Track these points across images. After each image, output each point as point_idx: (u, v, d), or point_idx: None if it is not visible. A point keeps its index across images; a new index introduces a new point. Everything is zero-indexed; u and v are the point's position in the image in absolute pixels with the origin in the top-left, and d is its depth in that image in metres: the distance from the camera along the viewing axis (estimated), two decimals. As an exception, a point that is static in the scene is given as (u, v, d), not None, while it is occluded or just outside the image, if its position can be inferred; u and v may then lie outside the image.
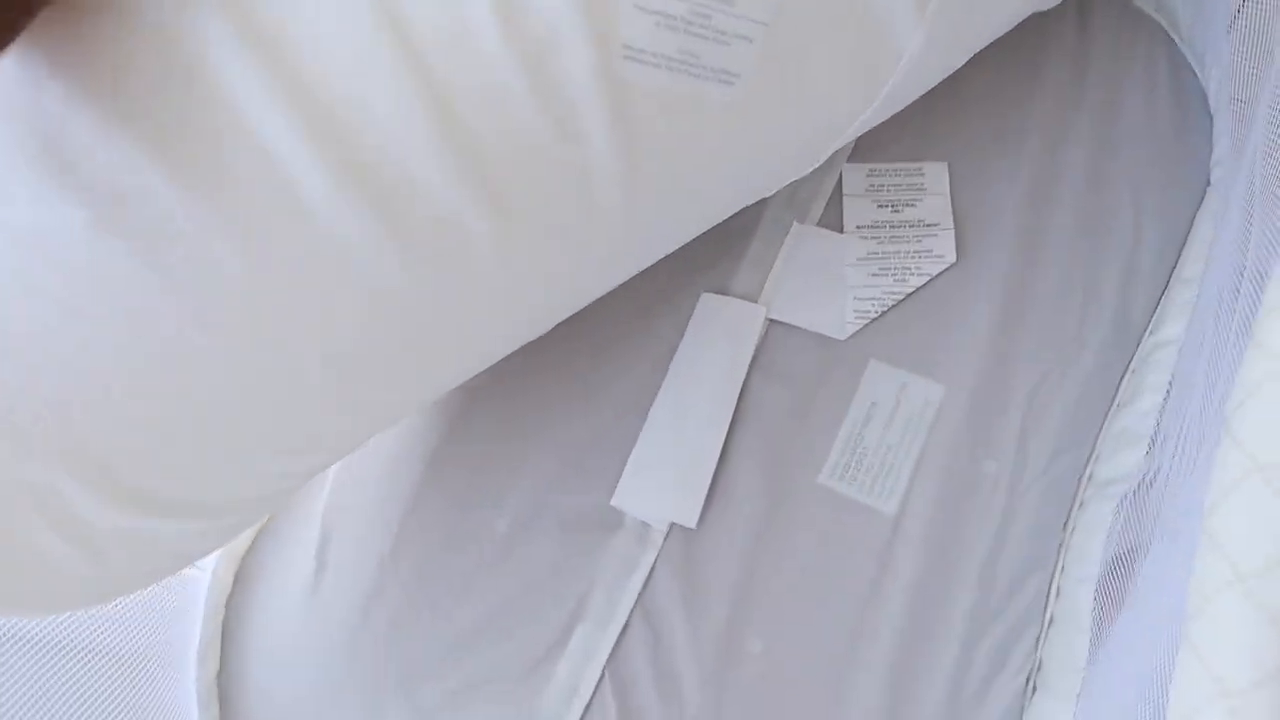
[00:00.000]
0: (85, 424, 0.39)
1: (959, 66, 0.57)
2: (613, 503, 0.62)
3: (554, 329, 0.61)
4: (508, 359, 0.63)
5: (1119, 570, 0.55)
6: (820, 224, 0.67)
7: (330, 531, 0.67)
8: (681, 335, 0.65)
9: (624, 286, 0.61)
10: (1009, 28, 0.59)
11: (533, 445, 0.65)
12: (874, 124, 0.54)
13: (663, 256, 0.57)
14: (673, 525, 0.61)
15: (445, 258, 0.42)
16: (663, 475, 0.62)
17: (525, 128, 0.39)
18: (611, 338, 0.65)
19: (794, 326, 0.64)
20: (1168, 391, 0.59)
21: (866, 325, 0.63)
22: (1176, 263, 0.63)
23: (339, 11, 0.35)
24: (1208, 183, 0.65)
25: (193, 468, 0.44)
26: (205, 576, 0.69)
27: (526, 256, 0.45)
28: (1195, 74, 0.69)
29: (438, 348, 0.48)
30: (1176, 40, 0.70)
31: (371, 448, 0.66)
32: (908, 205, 0.66)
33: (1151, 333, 0.61)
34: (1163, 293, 0.62)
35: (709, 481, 0.61)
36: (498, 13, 0.36)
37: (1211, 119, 0.67)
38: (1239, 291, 0.53)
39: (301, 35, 0.35)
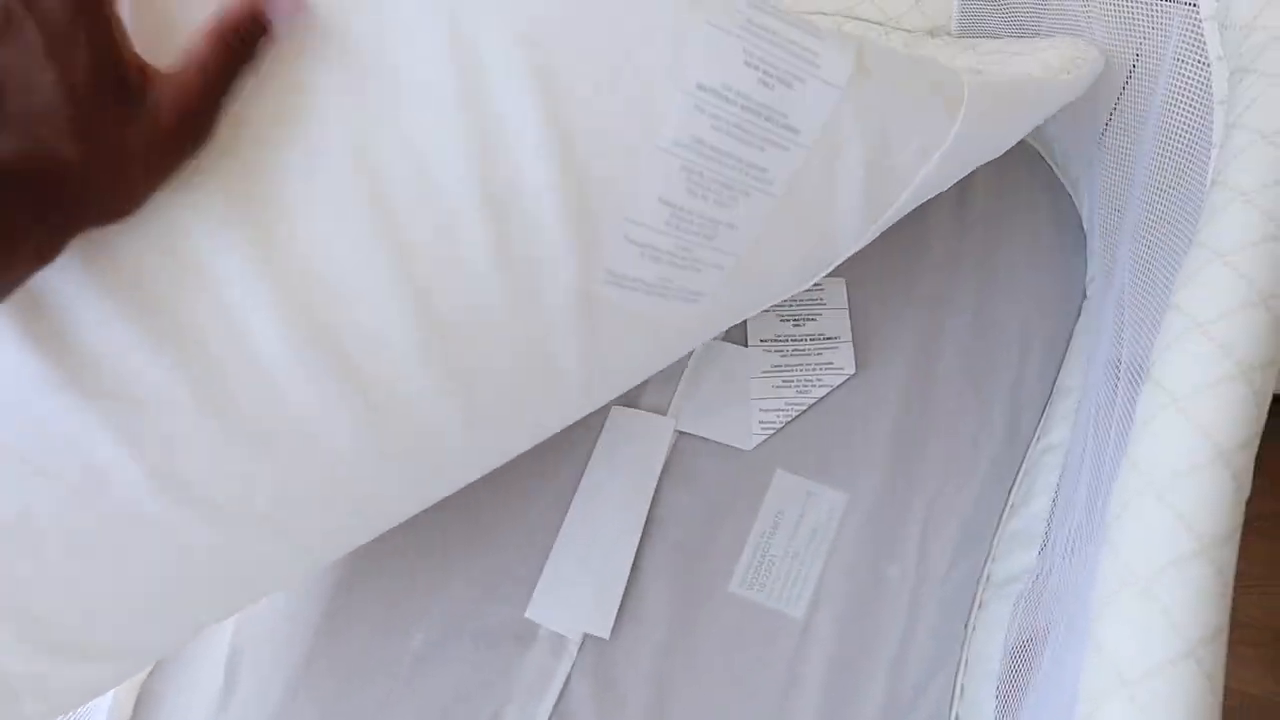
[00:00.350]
0: (25, 576, 0.39)
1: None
2: (527, 615, 0.62)
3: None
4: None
5: (1019, 661, 0.57)
6: (725, 339, 0.70)
7: (240, 652, 0.66)
8: (592, 449, 0.66)
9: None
10: None
11: (448, 563, 0.65)
12: None
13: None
14: (587, 636, 0.62)
15: (419, 444, 0.44)
16: (576, 587, 0.62)
17: (503, 339, 0.42)
18: (525, 455, 0.66)
19: (702, 438, 0.66)
20: (1055, 494, 0.62)
21: (771, 436, 0.66)
22: (1058, 373, 0.67)
23: (338, 218, 0.37)
24: (1084, 296, 0.70)
25: (127, 623, 0.44)
26: (105, 701, 0.67)
27: (493, 438, 0.48)
28: (1070, 196, 0.74)
29: (386, 512, 0.50)
30: (1052, 166, 0.76)
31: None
32: (809, 319, 0.69)
33: (1039, 439, 0.65)
34: (1047, 401, 0.66)
35: (622, 592, 0.62)
36: (493, 237, 0.39)
37: (1085, 237, 0.72)
38: (1115, 398, 0.56)
39: (299, 233, 0.37)
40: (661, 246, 0.43)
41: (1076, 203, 0.74)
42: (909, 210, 0.53)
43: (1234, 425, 0.38)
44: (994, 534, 0.63)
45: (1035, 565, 0.59)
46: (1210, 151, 0.52)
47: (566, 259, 0.41)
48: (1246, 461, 0.38)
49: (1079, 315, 0.69)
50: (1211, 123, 0.53)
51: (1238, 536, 0.37)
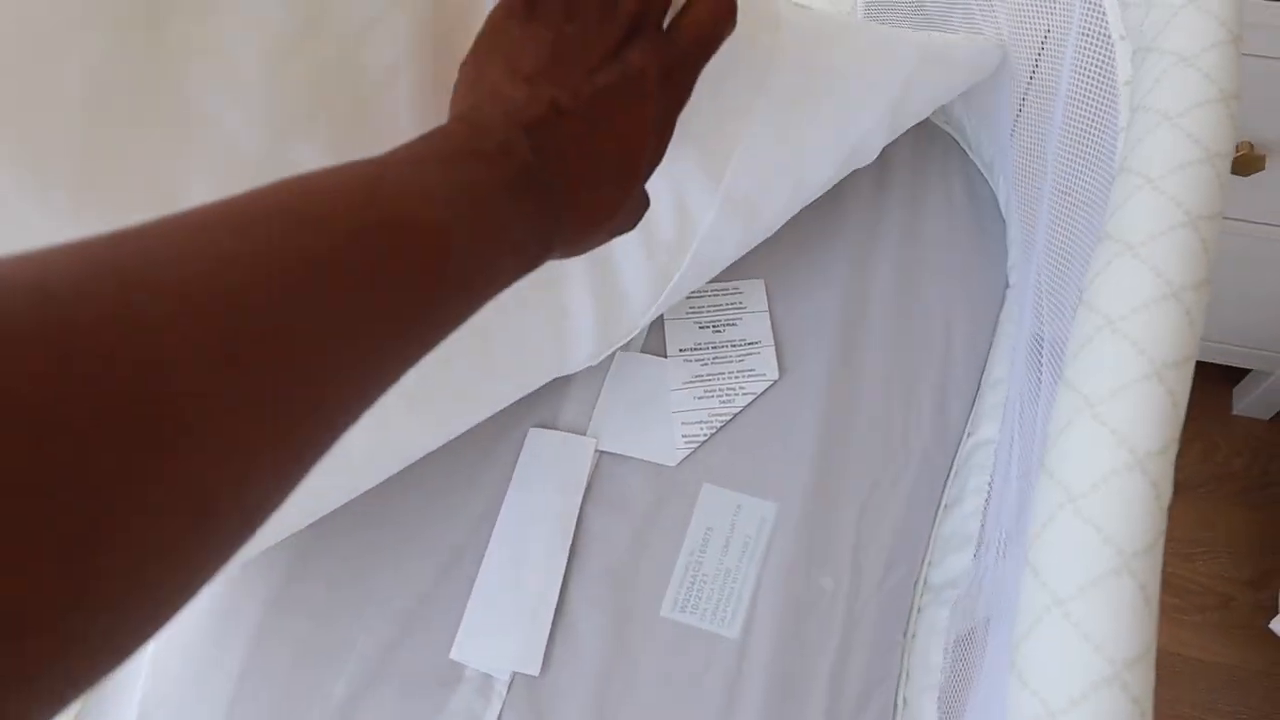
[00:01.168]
0: None
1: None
2: (452, 655, 0.60)
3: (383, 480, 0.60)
4: (335, 515, 0.61)
5: (958, 660, 0.56)
6: (644, 349, 0.67)
7: (149, 714, 0.62)
8: (511, 472, 0.64)
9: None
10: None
11: (365, 599, 0.62)
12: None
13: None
14: (515, 674, 0.59)
15: None
16: (502, 622, 0.60)
17: None
18: (440, 481, 0.64)
19: (625, 456, 0.64)
20: (989, 493, 0.60)
21: (696, 449, 0.63)
22: (985, 364, 0.65)
23: None
24: (1006, 284, 0.68)
25: None
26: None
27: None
28: (987, 181, 0.73)
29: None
30: (967, 150, 0.74)
31: (192, 616, 0.63)
32: (729, 325, 0.67)
33: (969, 434, 0.63)
34: (976, 394, 0.65)
35: (549, 624, 0.59)
36: None
37: (1004, 224, 0.71)
38: (1039, 390, 0.55)
39: None
40: None
41: (993, 186, 0.73)
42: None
43: (1151, 427, 0.36)
44: (928, 537, 0.61)
45: (971, 568, 0.58)
46: (1118, 136, 0.51)
47: None
48: (1165, 467, 0.36)
49: (1003, 303, 0.67)
50: (1117, 104, 0.52)
51: (1161, 545, 0.36)
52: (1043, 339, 0.56)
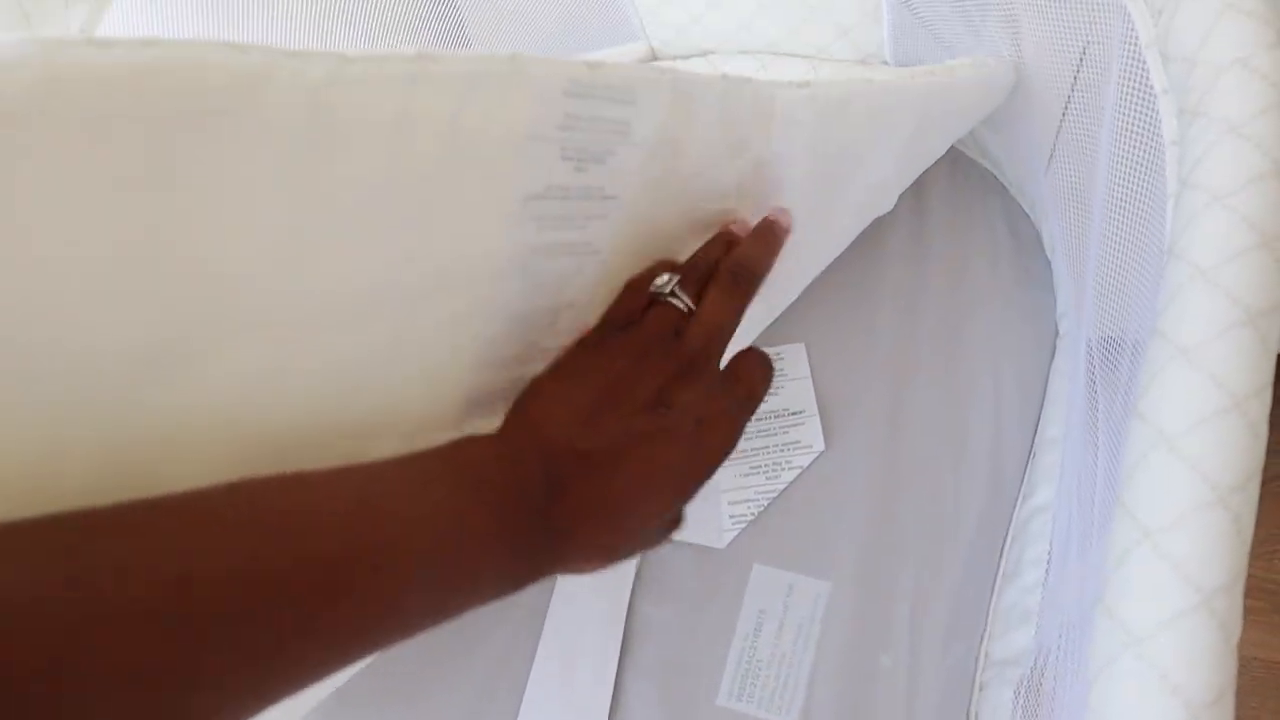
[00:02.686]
0: None
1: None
2: (510, 758, 0.59)
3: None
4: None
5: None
6: (685, 426, 0.66)
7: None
8: (560, 563, 0.63)
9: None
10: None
11: (416, 704, 0.62)
12: None
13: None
14: (575, 771, 0.59)
15: None
16: (558, 718, 0.59)
17: None
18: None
19: (673, 541, 0.63)
20: (1048, 563, 0.58)
21: (744, 529, 0.62)
22: (1039, 422, 0.63)
23: None
24: (1056, 333, 0.66)
25: None
26: None
27: None
28: (1029, 217, 0.70)
29: None
30: (1006, 185, 0.72)
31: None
32: (771, 394, 0.65)
33: (1025, 499, 0.61)
34: (1030, 455, 0.62)
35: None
36: None
37: (1050, 264, 0.68)
38: (1096, 465, 0.53)
39: None
40: (510, 354, 0.40)
41: (1036, 223, 0.70)
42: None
43: (1231, 458, 0.35)
44: (988, 609, 0.59)
45: (1032, 647, 0.56)
46: (1166, 204, 0.48)
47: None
48: (1250, 501, 0.35)
49: (1053, 354, 0.65)
50: (1164, 166, 0.49)
51: (1242, 582, 0.34)
52: (1098, 399, 0.53)
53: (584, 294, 0.42)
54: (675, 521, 0.42)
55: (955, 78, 0.57)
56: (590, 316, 0.43)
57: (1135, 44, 0.51)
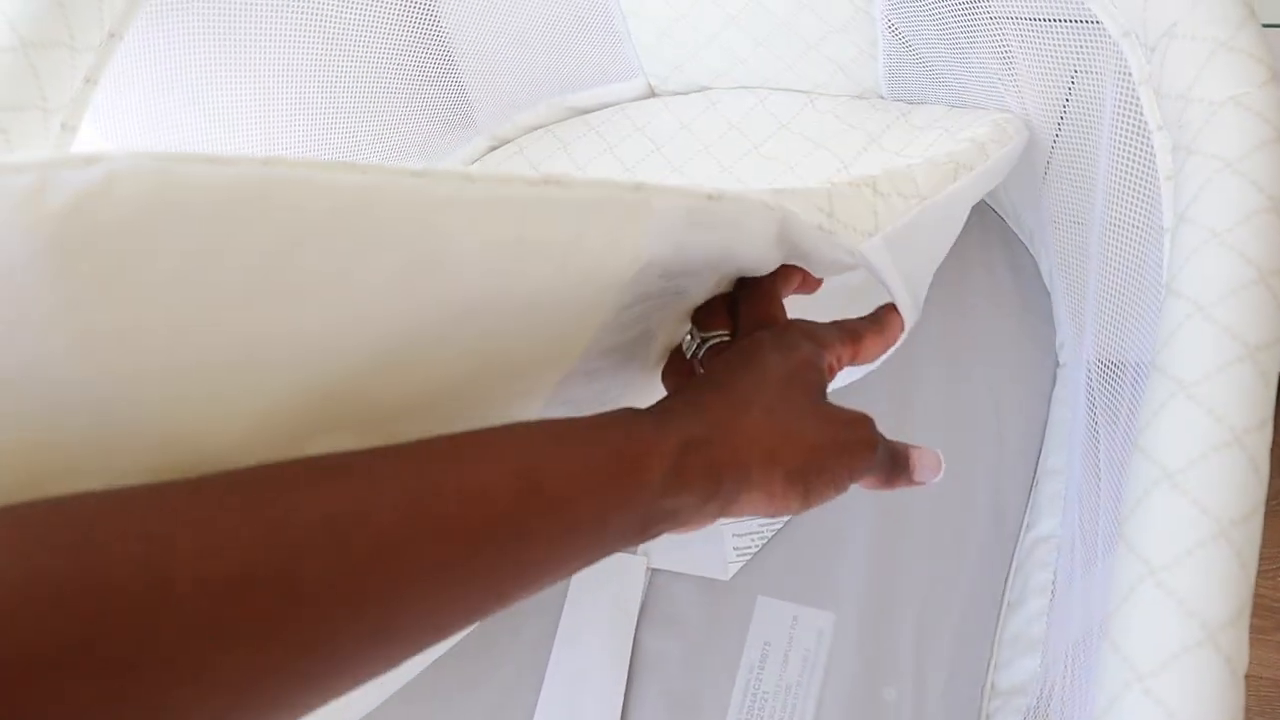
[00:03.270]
0: None
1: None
2: (516, 793, 0.59)
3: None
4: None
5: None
6: (689, 458, 0.66)
7: None
8: (564, 595, 0.63)
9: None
10: None
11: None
12: None
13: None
14: (582, 806, 0.59)
15: None
16: (564, 755, 0.59)
17: None
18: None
19: (676, 573, 0.63)
20: (1053, 592, 0.59)
21: (748, 561, 0.62)
22: (1040, 452, 0.64)
23: None
24: (1057, 363, 0.66)
25: None
26: None
27: None
28: (1027, 249, 0.71)
29: None
30: (1004, 216, 0.72)
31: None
32: (772, 426, 0.66)
33: (1029, 528, 0.61)
34: (1032, 485, 0.63)
35: (612, 756, 0.59)
36: None
37: (1049, 294, 0.69)
38: (1099, 492, 0.53)
39: None
40: None
41: (1034, 253, 0.71)
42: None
43: (1232, 494, 0.36)
44: (992, 638, 0.60)
45: (1039, 676, 0.56)
46: (1163, 238, 0.49)
47: None
48: (1253, 534, 0.35)
49: (1054, 383, 0.65)
50: (1160, 200, 0.50)
51: (1247, 615, 0.35)
52: (1098, 426, 0.54)
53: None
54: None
55: (989, 158, 0.57)
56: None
57: (1129, 80, 0.51)
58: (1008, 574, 0.61)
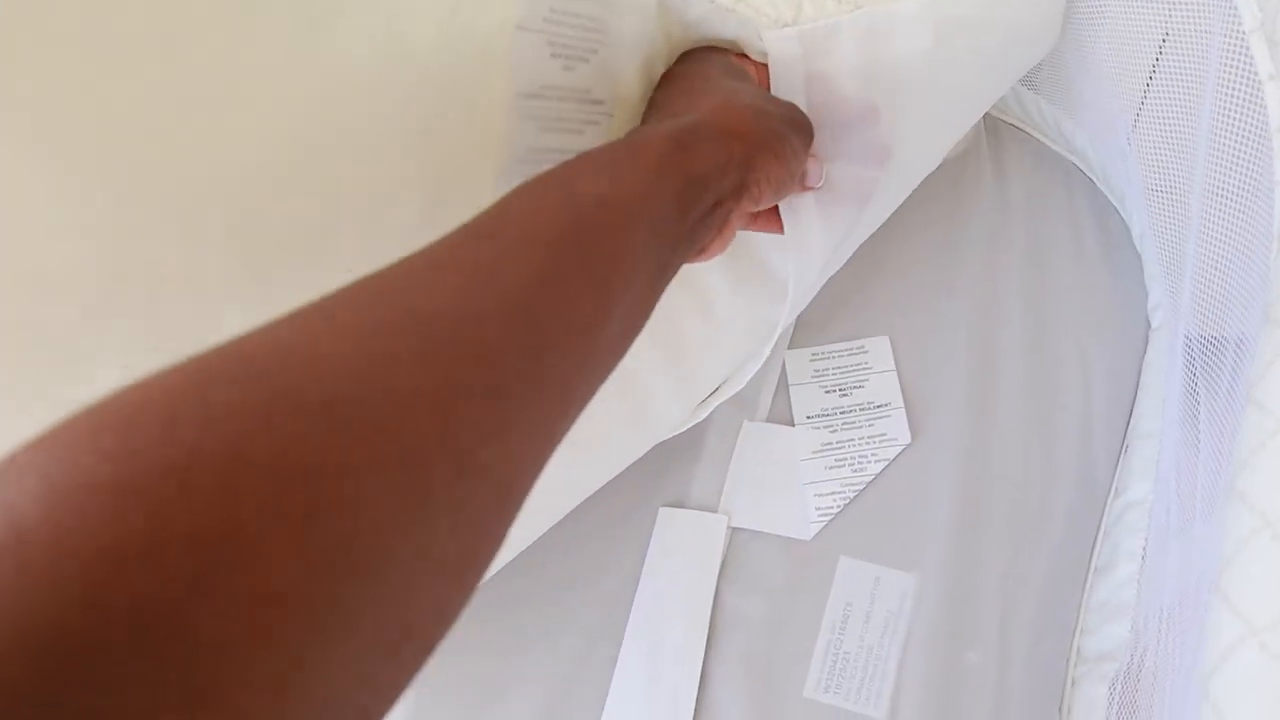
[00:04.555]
0: None
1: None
2: (597, 746, 0.60)
3: (517, 558, 0.60)
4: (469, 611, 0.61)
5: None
6: (770, 418, 0.66)
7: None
8: (644, 553, 0.63)
9: (583, 502, 0.61)
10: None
11: (506, 688, 0.62)
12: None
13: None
14: (661, 762, 0.59)
15: None
16: (644, 710, 0.60)
17: None
18: (570, 568, 0.64)
19: (758, 532, 0.63)
20: (1143, 558, 0.58)
21: (830, 521, 0.62)
22: (1131, 416, 0.62)
23: None
24: (1149, 327, 0.65)
25: None
26: None
27: None
28: (1117, 210, 0.69)
29: None
30: (1093, 178, 0.71)
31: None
32: (855, 387, 0.65)
33: (1118, 494, 0.60)
34: (1121, 449, 0.62)
35: (691, 712, 0.59)
36: None
37: (1140, 257, 0.67)
38: (1197, 460, 0.52)
39: None
40: None
41: (1124, 216, 0.69)
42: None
43: None
44: (1079, 604, 0.59)
45: (1129, 641, 0.55)
46: (1274, 192, 0.47)
47: None
48: None
49: (1146, 347, 0.64)
50: (1271, 153, 0.48)
51: None
52: (1199, 396, 0.53)
53: None
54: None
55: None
56: None
57: (1238, 30, 0.50)
58: (1095, 538, 0.60)
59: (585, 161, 0.33)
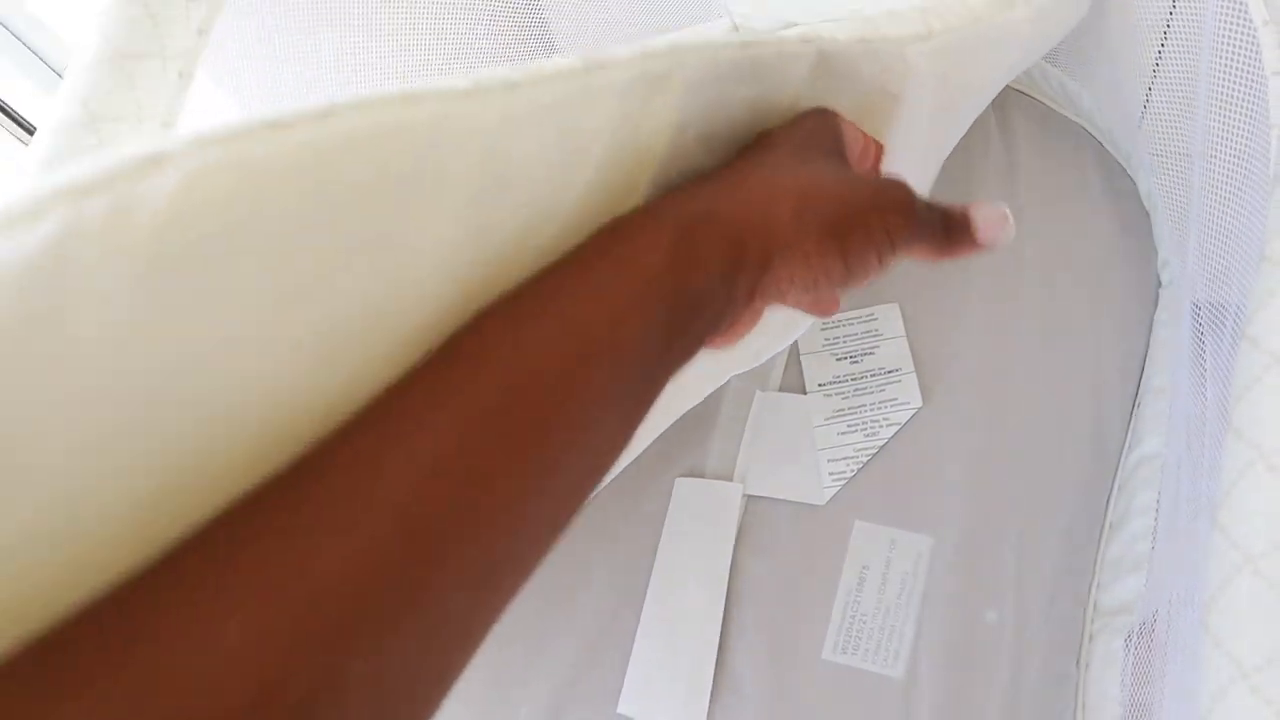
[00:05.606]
0: None
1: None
2: (619, 710, 0.61)
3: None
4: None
5: (1138, 702, 0.54)
6: (782, 388, 0.67)
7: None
8: (662, 524, 0.64)
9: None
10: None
11: (530, 657, 0.64)
12: None
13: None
14: (684, 725, 0.60)
15: None
16: (665, 677, 0.61)
17: None
18: (590, 538, 0.65)
19: (773, 498, 0.64)
20: (1157, 511, 0.58)
21: (844, 486, 0.63)
22: (1143, 372, 0.62)
23: None
24: (1158, 284, 0.65)
25: None
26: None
27: None
28: (1125, 171, 0.69)
29: None
30: (1101, 141, 0.71)
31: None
32: (866, 354, 0.66)
33: (1131, 449, 0.60)
34: (1134, 404, 0.62)
35: (711, 676, 0.60)
36: None
37: (1148, 215, 0.67)
38: (1205, 414, 0.52)
39: None
40: None
41: (1133, 175, 0.69)
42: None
43: None
44: (1095, 559, 0.59)
45: (1144, 594, 0.56)
46: (1270, 136, 0.47)
47: None
48: None
49: (1156, 303, 0.64)
50: (1266, 99, 0.48)
51: None
52: (1205, 355, 0.53)
53: None
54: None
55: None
56: None
57: (1233, -21, 0.50)
58: (1109, 494, 0.60)
59: (555, 300, 0.28)
